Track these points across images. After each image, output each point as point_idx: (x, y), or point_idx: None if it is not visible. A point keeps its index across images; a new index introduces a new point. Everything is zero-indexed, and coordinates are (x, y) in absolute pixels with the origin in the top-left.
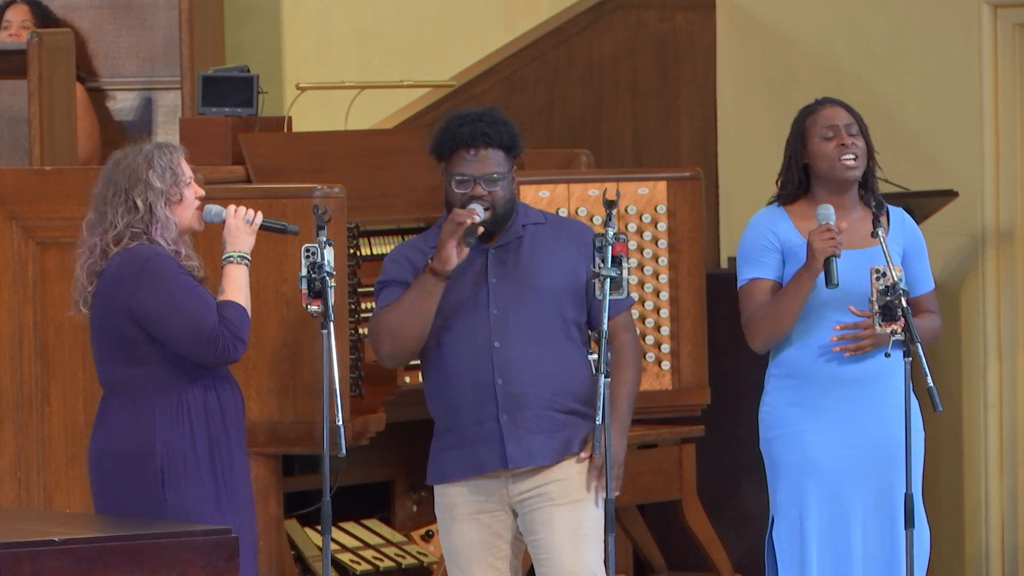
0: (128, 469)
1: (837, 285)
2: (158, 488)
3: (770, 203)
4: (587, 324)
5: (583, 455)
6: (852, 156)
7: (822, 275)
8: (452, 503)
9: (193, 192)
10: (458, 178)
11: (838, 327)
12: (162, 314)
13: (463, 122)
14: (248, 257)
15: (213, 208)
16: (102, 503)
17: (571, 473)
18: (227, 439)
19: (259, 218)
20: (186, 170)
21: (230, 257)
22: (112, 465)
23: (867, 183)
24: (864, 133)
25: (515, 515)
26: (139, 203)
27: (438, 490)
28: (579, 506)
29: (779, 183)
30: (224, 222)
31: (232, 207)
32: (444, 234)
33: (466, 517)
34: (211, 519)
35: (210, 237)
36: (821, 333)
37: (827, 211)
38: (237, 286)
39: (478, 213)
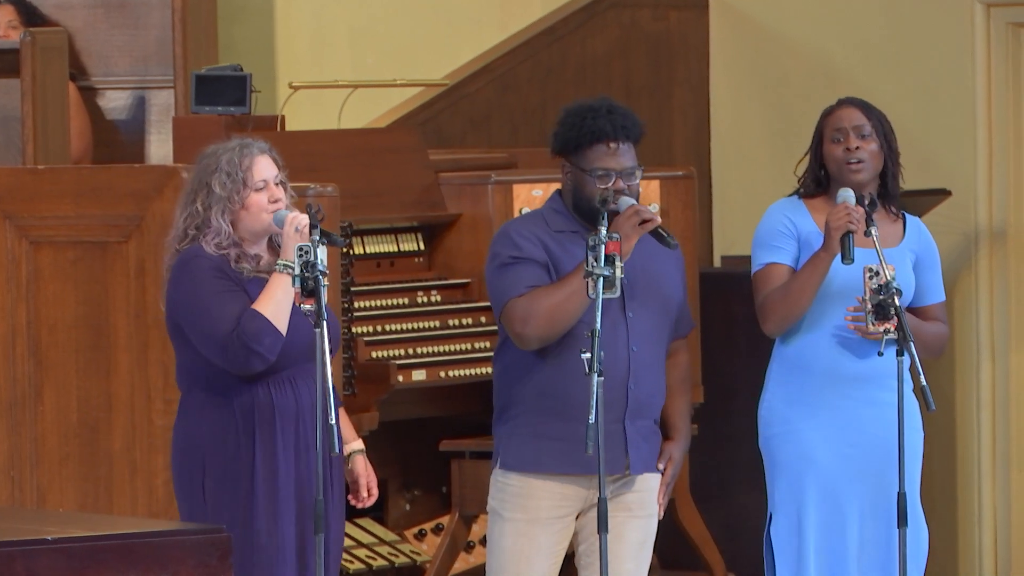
0: (179, 463)
1: (852, 261)
2: (199, 484)
3: (790, 196)
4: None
5: (660, 466)
6: (857, 160)
7: (837, 262)
8: (535, 503)
9: (266, 196)
10: (600, 173)
11: (850, 308)
12: (187, 317)
13: (596, 115)
14: (289, 264)
15: (280, 213)
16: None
17: (650, 486)
18: (273, 441)
19: (300, 224)
20: (258, 174)
21: (278, 266)
22: (174, 457)
23: (886, 184)
24: (880, 134)
25: (577, 517)
26: (200, 207)
27: (516, 478)
28: (651, 521)
29: (800, 179)
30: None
31: (290, 214)
32: (627, 228)
33: (543, 521)
34: (243, 522)
35: None
36: (824, 328)
37: (847, 193)
38: (269, 296)
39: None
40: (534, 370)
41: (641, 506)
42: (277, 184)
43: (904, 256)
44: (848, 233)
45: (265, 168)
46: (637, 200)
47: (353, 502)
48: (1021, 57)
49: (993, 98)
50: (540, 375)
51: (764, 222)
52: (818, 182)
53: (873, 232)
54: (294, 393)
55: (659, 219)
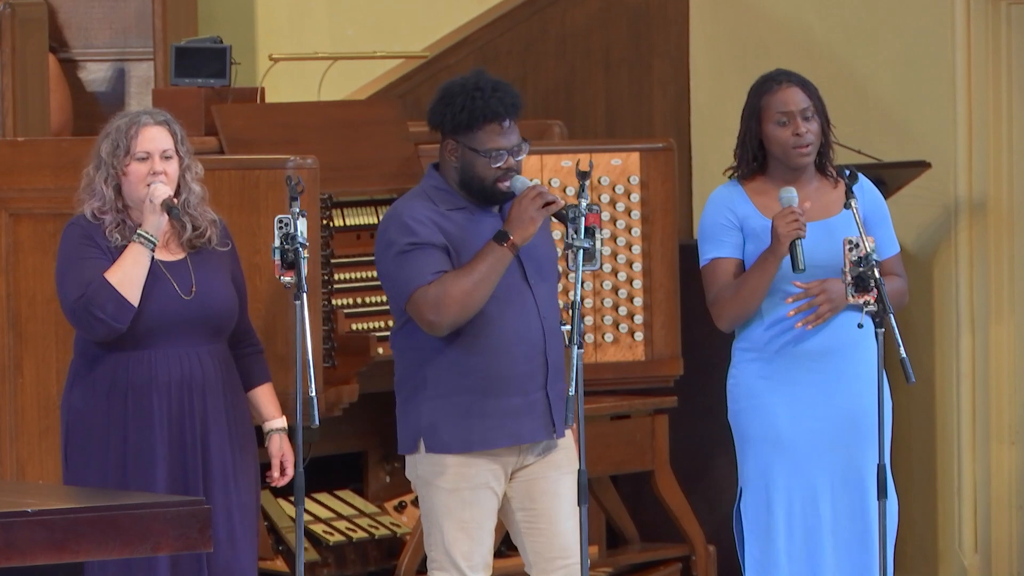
0: (62, 429)
1: (804, 269)
2: (64, 454)
3: (728, 177)
4: None
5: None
6: (806, 144)
7: (787, 257)
8: (474, 471)
9: (146, 168)
10: (495, 153)
11: (790, 299)
12: (56, 284)
13: (483, 95)
14: (146, 235)
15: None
16: None
17: (570, 443)
18: (139, 415)
19: (155, 197)
20: (140, 144)
21: (135, 236)
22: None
23: (823, 155)
24: (819, 111)
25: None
26: (91, 170)
27: (455, 459)
28: (574, 476)
29: (736, 156)
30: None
31: (159, 187)
32: (532, 211)
33: (483, 486)
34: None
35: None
36: (785, 309)
37: (790, 194)
38: (119, 265)
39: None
40: (446, 350)
41: (569, 462)
42: (167, 158)
43: (849, 220)
44: (796, 240)
45: (152, 139)
46: (519, 173)
47: (269, 480)
48: (1001, 29)
49: (973, 70)
50: (454, 354)
51: (705, 215)
52: (755, 159)
53: (853, 204)
54: (167, 366)
55: (562, 201)
